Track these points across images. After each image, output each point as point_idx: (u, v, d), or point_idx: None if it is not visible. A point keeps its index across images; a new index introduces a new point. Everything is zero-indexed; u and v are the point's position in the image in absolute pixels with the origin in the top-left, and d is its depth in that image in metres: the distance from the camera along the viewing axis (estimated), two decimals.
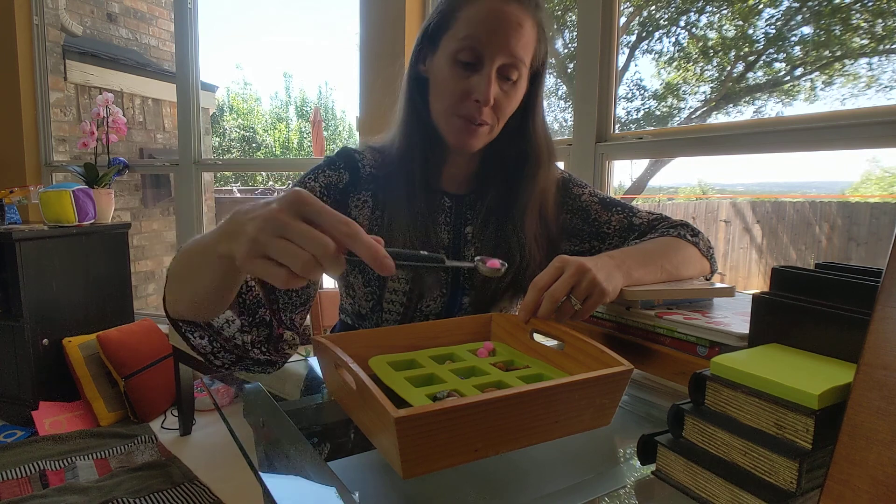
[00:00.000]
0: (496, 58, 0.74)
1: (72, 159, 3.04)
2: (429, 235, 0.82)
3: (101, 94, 2.58)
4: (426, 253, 0.49)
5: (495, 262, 0.57)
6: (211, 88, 4.67)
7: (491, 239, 0.85)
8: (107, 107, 2.53)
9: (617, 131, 1.62)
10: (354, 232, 0.41)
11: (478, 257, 0.58)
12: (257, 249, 0.41)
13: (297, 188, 0.45)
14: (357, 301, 0.86)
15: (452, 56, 0.75)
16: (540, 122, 0.85)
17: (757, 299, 0.52)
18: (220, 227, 0.47)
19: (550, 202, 0.89)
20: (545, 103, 0.87)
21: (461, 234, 0.87)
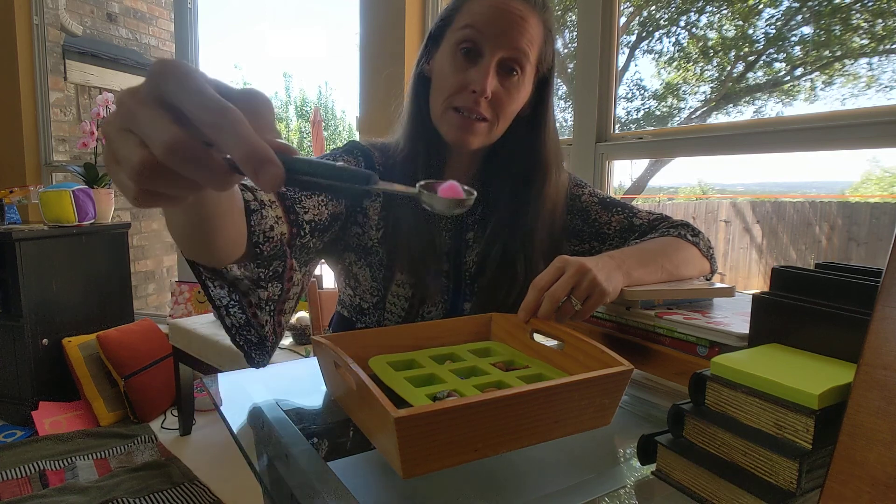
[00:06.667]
0: (497, 50, 0.74)
1: (72, 159, 3.04)
2: (432, 240, 0.82)
3: (101, 94, 2.58)
4: (351, 168, 0.33)
5: (451, 190, 0.39)
6: None
7: (496, 256, 0.83)
8: (107, 107, 2.53)
9: (617, 131, 1.62)
10: (228, 121, 0.26)
11: (421, 183, 0.40)
12: (110, 149, 0.29)
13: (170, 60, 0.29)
14: (359, 294, 0.85)
15: (454, 47, 0.75)
16: (551, 135, 0.84)
17: (757, 299, 0.52)
18: None
19: (560, 216, 0.87)
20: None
21: (462, 239, 0.86)
